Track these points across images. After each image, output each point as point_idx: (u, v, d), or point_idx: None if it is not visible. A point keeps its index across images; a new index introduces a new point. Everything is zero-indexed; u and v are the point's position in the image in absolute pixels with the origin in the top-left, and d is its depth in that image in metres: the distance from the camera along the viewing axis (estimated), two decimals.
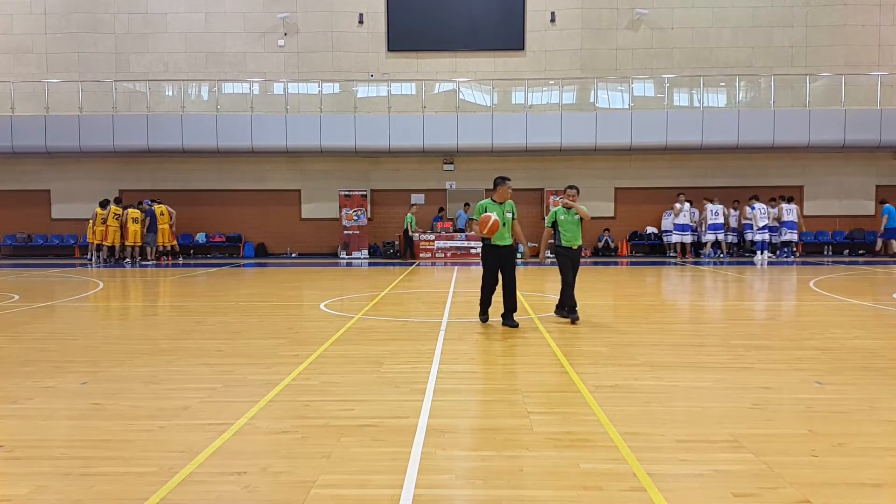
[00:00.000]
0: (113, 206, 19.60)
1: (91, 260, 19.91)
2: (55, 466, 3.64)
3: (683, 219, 20.53)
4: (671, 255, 20.98)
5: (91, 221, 19.67)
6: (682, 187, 21.43)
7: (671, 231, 20.85)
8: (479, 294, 8.23)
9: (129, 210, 19.73)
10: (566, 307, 8.48)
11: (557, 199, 7.57)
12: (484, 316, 8.26)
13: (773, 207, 20.27)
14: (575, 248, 8.53)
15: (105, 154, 21.47)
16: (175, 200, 21.35)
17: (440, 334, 7.55)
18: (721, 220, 20.30)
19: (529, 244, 17.10)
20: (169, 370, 5.92)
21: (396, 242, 21.58)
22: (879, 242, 20.53)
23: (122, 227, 19.62)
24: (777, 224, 20.22)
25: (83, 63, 22.06)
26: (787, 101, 21.12)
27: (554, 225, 8.64)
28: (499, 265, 7.99)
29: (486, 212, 7.84)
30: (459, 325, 8.22)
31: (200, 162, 22.21)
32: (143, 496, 3.22)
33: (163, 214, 20.22)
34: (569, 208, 8.55)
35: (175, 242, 20.90)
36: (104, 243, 19.63)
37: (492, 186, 8.30)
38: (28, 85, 21.50)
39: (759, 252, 19.81)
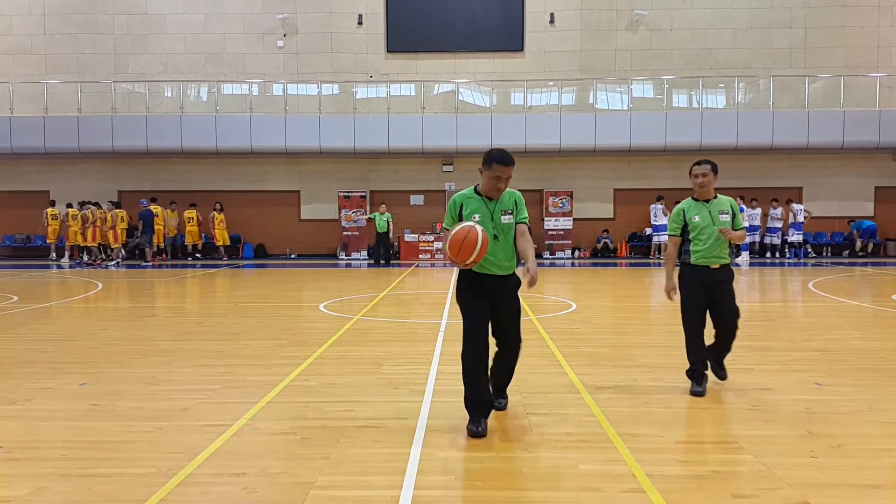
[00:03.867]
0: (97, 209, 19.97)
1: (56, 259, 20.44)
2: (54, 467, 3.64)
3: (662, 220, 20.69)
4: (658, 255, 21.13)
5: (59, 221, 20.35)
6: (681, 188, 21.39)
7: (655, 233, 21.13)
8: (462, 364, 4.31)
9: (117, 211, 20.08)
10: (691, 364, 5.22)
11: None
12: (476, 425, 4.14)
13: (774, 208, 20.50)
14: (715, 267, 5.11)
15: (104, 155, 21.47)
16: (174, 201, 21.39)
17: (439, 335, 7.54)
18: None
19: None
20: (168, 371, 5.92)
21: (396, 244, 21.50)
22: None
23: (111, 228, 19.84)
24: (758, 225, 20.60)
25: (82, 64, 22.05)
26: (787, 102, 21.13)
27: (684, 231, 5.25)
28: (487, 309, 4.34)
29: (458, 219, 4.30)
30: (459, 327, 8.21)
31: (200, 163, 22.20)
32: (142, 497, 3.22)
33: (173, 216, 21.02)
34: (705, 199, 5.20)
35: (200, 241, 21.43)
36: (90, 244, 19.94)
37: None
38: (27, 86, 21.49)
39: (743, 252, 19.93)
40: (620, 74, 21.81)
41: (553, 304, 10.40)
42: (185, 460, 3.69)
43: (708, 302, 5.14)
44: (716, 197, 5.22)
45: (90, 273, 16.94)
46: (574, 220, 21.38)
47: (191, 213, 21.27)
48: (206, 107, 21.82)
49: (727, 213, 5.14)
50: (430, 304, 10.51)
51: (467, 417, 4.17)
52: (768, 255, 20.80)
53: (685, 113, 21.05)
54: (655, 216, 20.75)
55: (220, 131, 20.65)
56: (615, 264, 19.40)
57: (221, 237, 21.32)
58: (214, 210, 21.17)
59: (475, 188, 4.36)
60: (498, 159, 4.18)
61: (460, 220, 4.27)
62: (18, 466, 3.67)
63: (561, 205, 21.25)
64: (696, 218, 5.14)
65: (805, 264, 18.90)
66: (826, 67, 21.53)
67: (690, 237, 5.16)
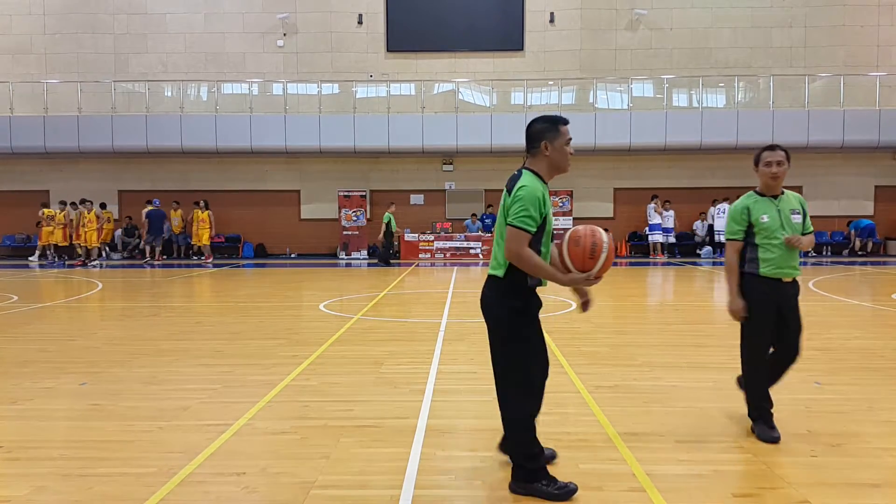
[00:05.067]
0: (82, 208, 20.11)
1: (38, 259, 20.58)
2: (54, 467, 3.64)
3: (656, 219, 20.72)
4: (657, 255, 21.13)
5: (45, 221, 20.40)
6: (681, 188, 21.45)
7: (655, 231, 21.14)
8: (512, 412, 3.33)
9: (104, 211, 20.35)
10: (753, 403, 4.21)
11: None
12: (553, 481, 3.28)
13: None
14: (788, 280, 4.11)
15: (104, 154, 21.47)
16: (178, 200, 21.40)
17: (439, 335, 7.55)
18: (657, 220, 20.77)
19: None
20: (168, 371, 5.92)
21: (395, 243, 21.45)
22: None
23: (98, 228, 19.92)
24: None
25: (82, 63, 22.05)
26: (787, 101, 21.13)
27: (747, 235, 4.16)
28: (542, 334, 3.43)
29: (541, 218, 3.25)
30: (458, 326, 8.22)
31: (199, 162, 22.20)
32: (143, 497, 3.22)
33: (176, 215, 21.33)
34: (773, 195, 4.14)
35: (208, 243, 21.09)
36: (81, 244, 20.08)
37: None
38: (27, 85, 21.49)
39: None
40: (620, 74, 21.80)
41: (553, 303, 10.39)
42: (186, 460, 3.69)
43: (774, 318, 4.13)
44: (783, 193, 4.18)
45: (90, 273, 16.94)
46: (574, 219, 21.34)
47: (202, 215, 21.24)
48: (206, 106, 21.82)
49: (799, 213, 4.14)
50: (430, 304, 10.51)
51: (467, 417, 4.16)
52: None
53: (685, 112, 21.04)
54: (649, 215, 20.78)
55: (220, 131, 20.64)
56: (615, 263, 19.39)
57: (199, 237, 20.64)
58: (198, 208, 20.70)
59: (530, 170, 3.38)
60: (562, 120, 3.45)
61: (544, 218, 3.24)
62: (18, 466, 3.67)
63: (561, 204, 21.24)
64: (765, 218, 4.07)
65: (805, 263, 18.90)
66: (826, 66, 21.53)
67: (757, 241, 4.09)
